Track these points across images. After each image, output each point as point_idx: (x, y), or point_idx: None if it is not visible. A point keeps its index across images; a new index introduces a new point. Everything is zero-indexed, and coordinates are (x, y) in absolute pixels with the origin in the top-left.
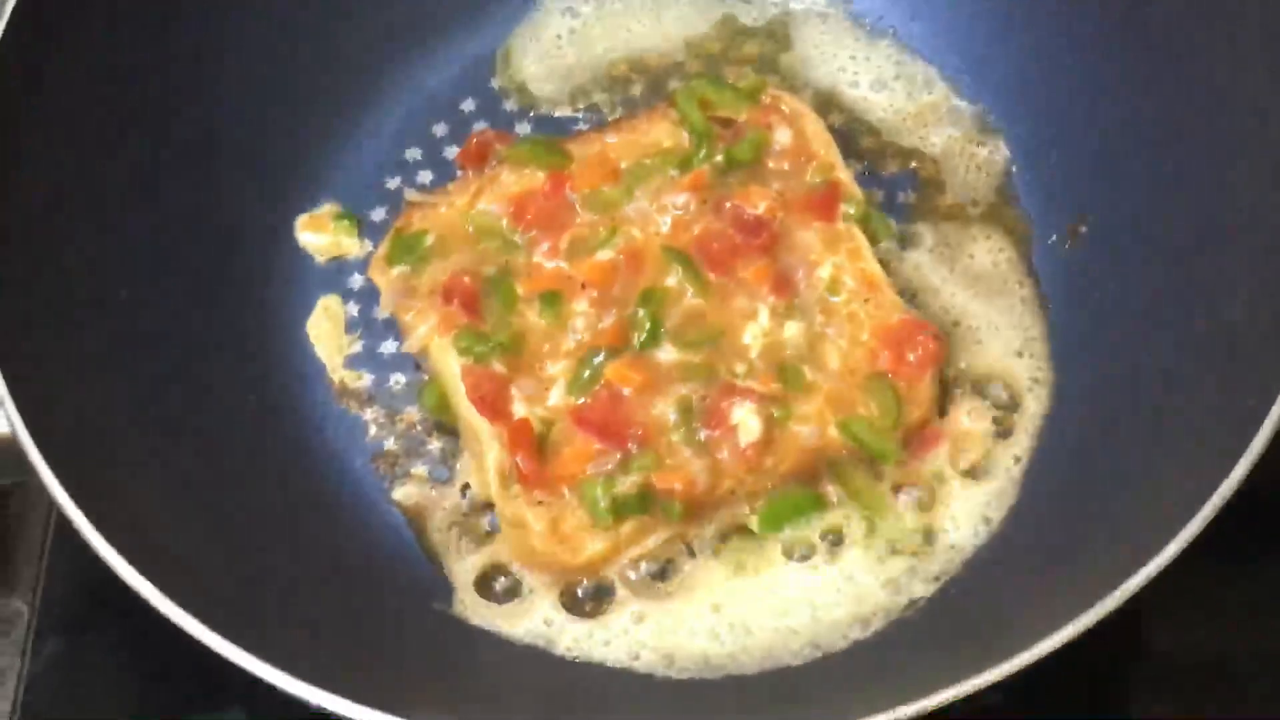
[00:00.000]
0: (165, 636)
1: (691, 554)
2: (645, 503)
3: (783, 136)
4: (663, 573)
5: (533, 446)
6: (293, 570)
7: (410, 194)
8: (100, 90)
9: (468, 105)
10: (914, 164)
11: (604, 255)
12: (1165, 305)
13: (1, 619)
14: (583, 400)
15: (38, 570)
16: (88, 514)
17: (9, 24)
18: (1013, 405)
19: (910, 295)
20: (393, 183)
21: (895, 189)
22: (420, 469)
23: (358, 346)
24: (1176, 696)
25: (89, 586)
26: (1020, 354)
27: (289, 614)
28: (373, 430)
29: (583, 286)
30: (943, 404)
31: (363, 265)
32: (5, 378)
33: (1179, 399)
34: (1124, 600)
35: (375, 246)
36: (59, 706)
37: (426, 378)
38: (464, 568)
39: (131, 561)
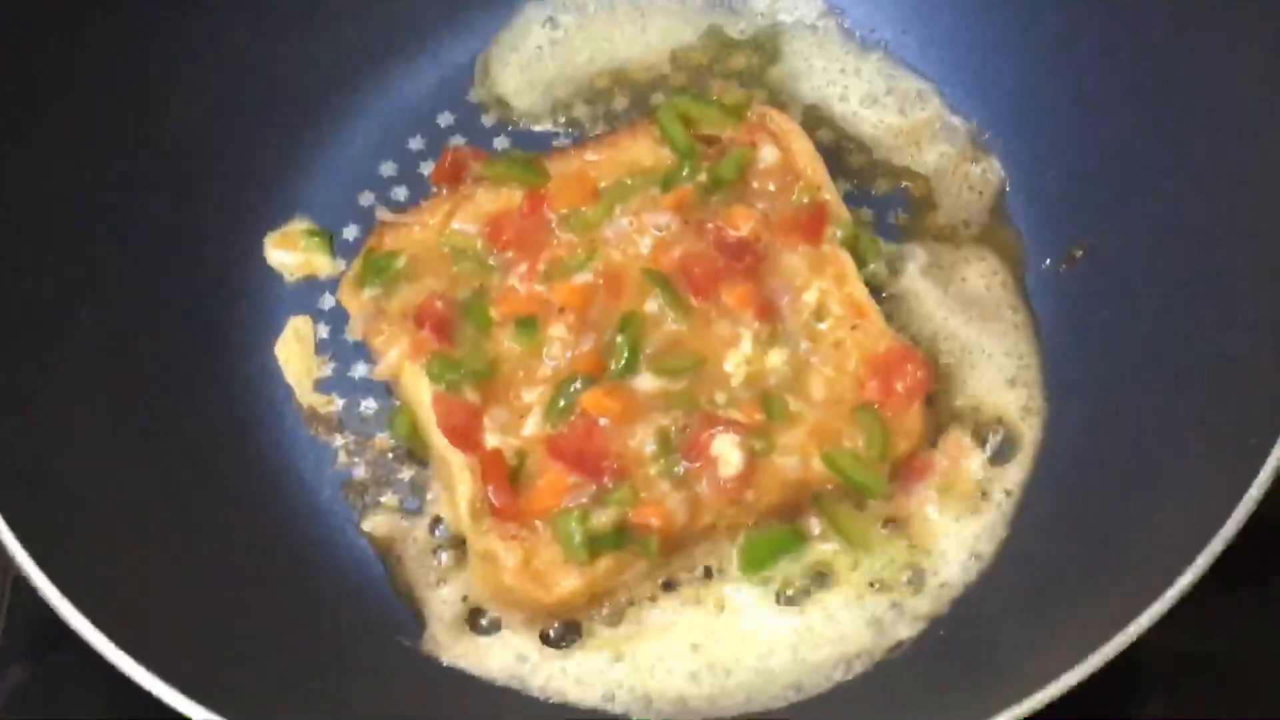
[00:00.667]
0: None
1: (669, 591)
2: (621, 538)
3: (768, 154)
4: (639, 610)
5: (505, 478)
6: (255, 605)
7: (382, 213)
8: (63, 99)
9: (444, 119)
10: (905, 183)
11: (582, 278)
12: (1164, 335)
13: None
14: (558, 430)
15: (2, 590)
16: (35, 556)
17: None
18: (1004, 436)
19: (899, 320)
20: (366, 199)
21: (885, 208)
22: (391, 499)
23: (328, 369)
24: (1174, 700)
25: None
26: (1013, 383)
27: (248, 653)
28: (342, 457)
29: (560, 311)
30: (932, 434)
31: (334, 285)
32: None
33: (1179, 433)
34: (1124, 646)
35: (348, 265)
36: None
37: (397, 404)
38: (435, 603)
39: (82, 609)
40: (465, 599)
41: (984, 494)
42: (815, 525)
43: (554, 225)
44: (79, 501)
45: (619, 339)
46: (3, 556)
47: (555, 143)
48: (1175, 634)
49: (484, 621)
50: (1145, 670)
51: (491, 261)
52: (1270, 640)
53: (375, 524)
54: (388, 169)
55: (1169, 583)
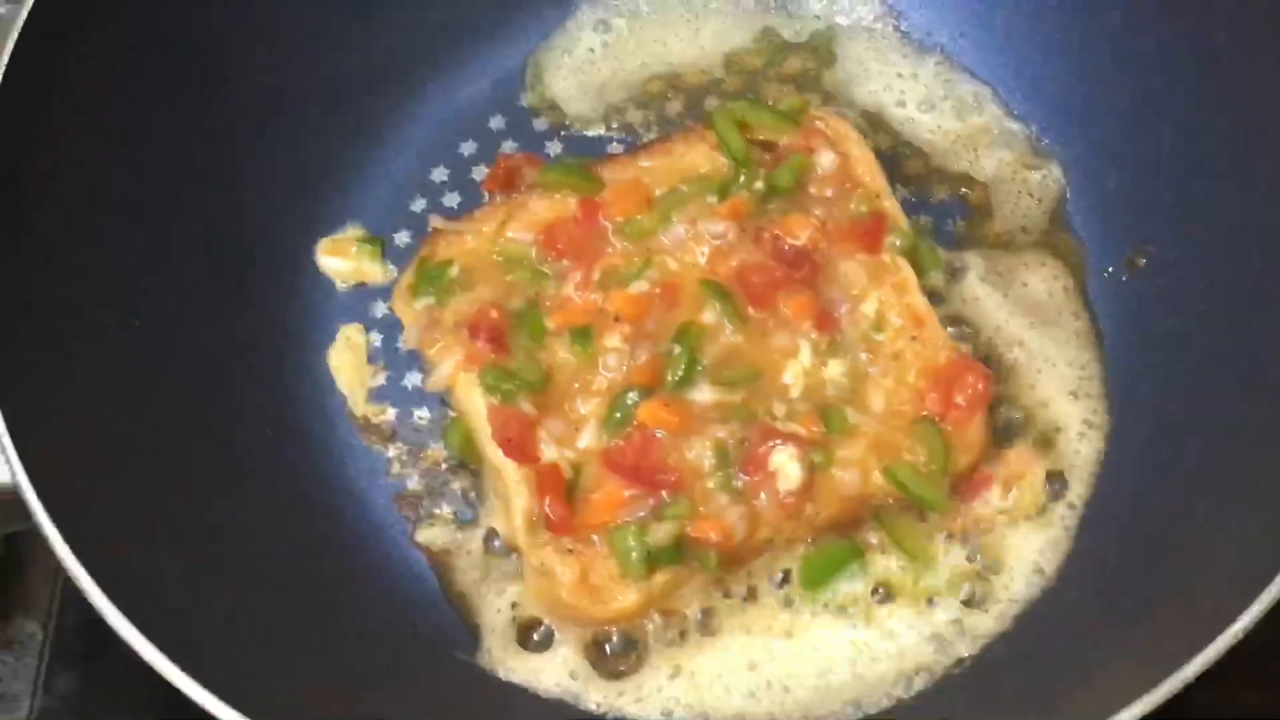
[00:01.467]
0: None
1: (728, 606)
2: (679, 553)
3: (826, 161)
4: (698, 626)
5: (561, 492)
6: (306, 619)
7: (436, 221)
8: (117, 106)
9: (496, 123)
10: (963, 189)
11: (638, 287)
12: (1231, 346)
13: (16, 641)
14: (614, 443)
15: (52, 591)
16: (90, 570)
17: (21, 35)
18: (1067, 449)
19: (959, 331)
20: (418, 205)
21: (943, 216)
22: (445, 510)
23: (381, 379)
24: None
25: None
26: (1075, 395)
27: (300, 666)
28: (395, 468)
29: (615, 320)
30: (993, 447)
31: (386, 292)
32: (5, 415)
33: (1245, 449)
34: (1198, 673)
35: (399, 272)
36: None
37: (451, 414)
38: (489, 617)
39: (129, 615)
40: (520, 613)
41: (1046, 508)
42: (875, 539)
43: (609, 233)
44: (131, 511)
45: (676, 349)
46: (53, 562)
47: (609, 148)
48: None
49: (538, 636)
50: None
51: (545, 270)
52: None
53: (429, 536)
54: (439, 174)
55: (1239, 610)
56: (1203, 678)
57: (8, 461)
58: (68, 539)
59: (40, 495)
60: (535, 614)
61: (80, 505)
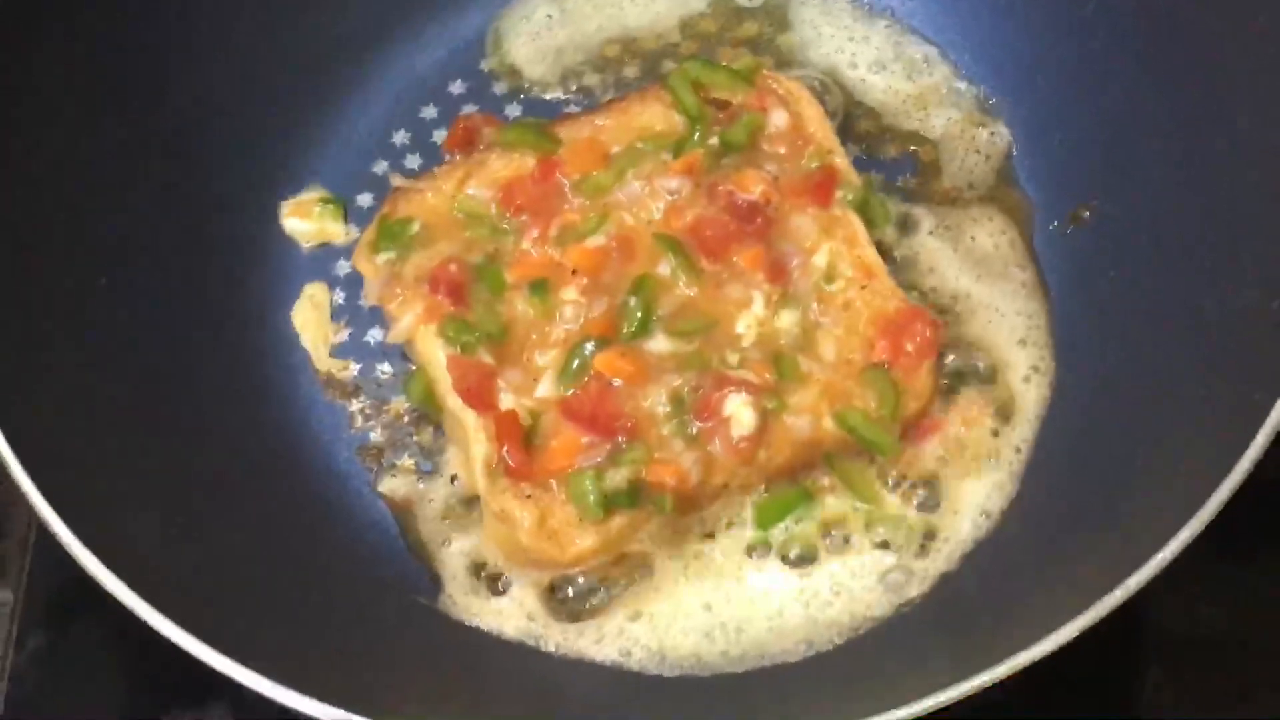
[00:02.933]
0: (150, 631)
1: (684, 551)
2: (635, 497)
3: (778, 119)
4: (655, 570)
5: (520, 439)
6: (275, 565)
7: (397, 179)
8: (74, 66)
9: (457, 87)
10: (913, 147)
11: (594, 242)
12: (1171, 293)
13: None
14: (571, 391)
15: (22, 560)
16: (62, 514)
17: None
18: (1013, 395)
19: (909, 281)
20: (380, 167)
21: (894, 173)
22: (407, 461)
23: (344, 335)
24: (1183, 675)
25: (75, 577)
26: (1023, 343)
27: (270, 611)
28: (359, 421)
29: (572, 274)
30: (941, 394)
31: (348, 252)
32: None
33: (1184, 390)
34: (1125, 598)
35: (361, 233)
36: (44, 699)
37: (413, 368)
38: (450, 563)
39: (106, 562)
40: (480, 558)
41: (993, 452)
42: (827, 482)
43: (566, 190)
44: (99, 464)
45: (631, 301)
46: (20, 527)
47: (566, 110)
48: (1176, 603)
49: (499, 581)
50: (1146, 641)
51: (505, 226)
52: (1271, 608)
53: (391, 486)
54: (400, 138)
55: (1169, 537)
56: (1158, 595)
57: None
58: (41, 490)
59: (13, 448)
60: (495, 560)
61: (52, 458)
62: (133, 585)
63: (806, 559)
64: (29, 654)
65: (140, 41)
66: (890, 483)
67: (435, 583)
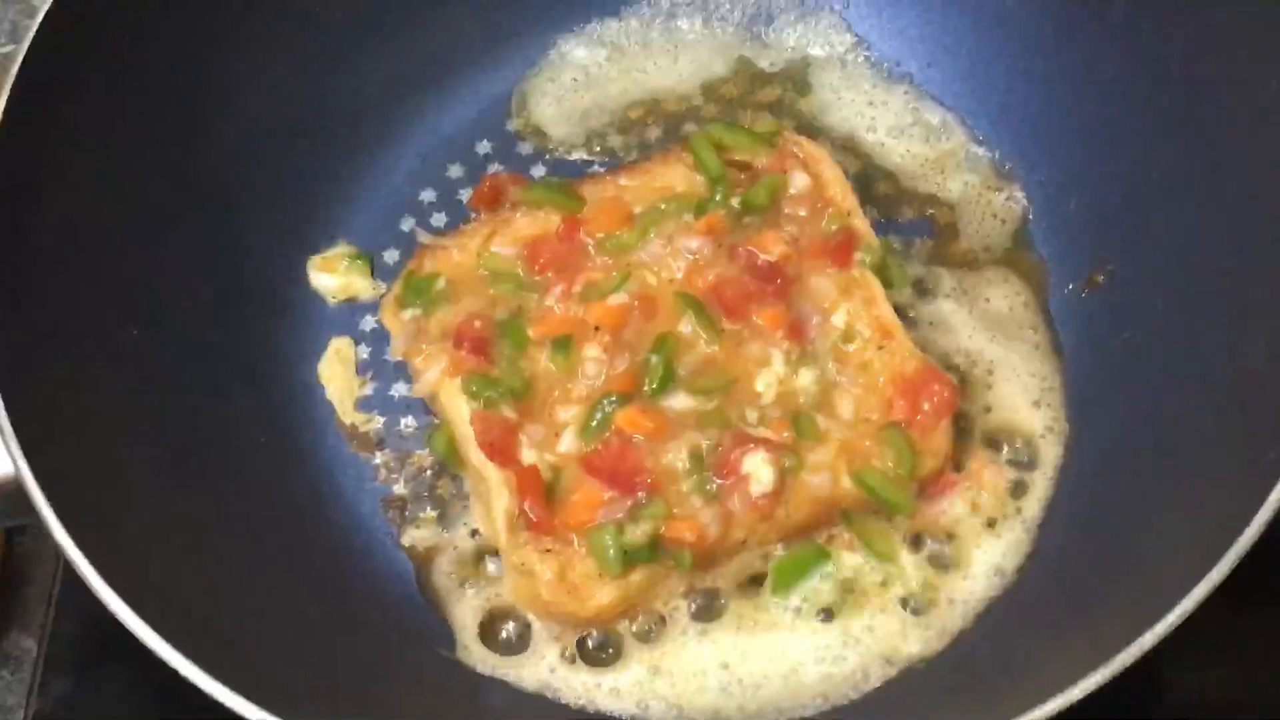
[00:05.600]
0: (173, 678)
1: (703, 606)
2: (655, 552)
3: (799, 181)
4: (673, 625)
5: (541, 493)
6: (298, 615)
7: (423, 236)
8: (115, 127)
9: (483, 147)
10: (930, 210)
11: (617, 299)
12: (1184, 354)
13: (10, 656)
14: (593, 447)
15: (47, 608)
16: (91, 559)
17: (27, 57)
18: (1029, 455)
19: (926, 342)
20: (406, 224)
21: (911, 235)
22: (429, 514)
23: (369, 389)
24: None
25: (98, 625)
26: (1037, 404)
27: (293, 659)
28: (382, 474)
29: (595, 331)
30: (957, 453)
31: (375, 307)
32: (9, 416)
33: (1198, 449)
34: (1138, 656)
35: (388, 288)
36: None
37: (436, 422)
38: (470, 614)
39: (134, 607)
40: (500, 611)
41: (1007, 511)
42: (843, 538)
43: (590, 249)
44: (129, 513)
45: (653, 359)
46: (44, 574)
47: (590, 170)
48: (1189, 663)
49: (519, 633)
50: (1157, 701)
51: (529, 283)
52: None
53: (414, 538)
54: (427, 195)
55: (1182, 596)
56: (1170, 658)
57: (10, 455)
58: (71, 535)
59: (45, 493)
60: (516, 613)
61: (81, 505)
62: (159, 630)
63: (823, 615)
64: (53, 700)
65: (173, 97)
66: (906, 540)
67: (455, 634)
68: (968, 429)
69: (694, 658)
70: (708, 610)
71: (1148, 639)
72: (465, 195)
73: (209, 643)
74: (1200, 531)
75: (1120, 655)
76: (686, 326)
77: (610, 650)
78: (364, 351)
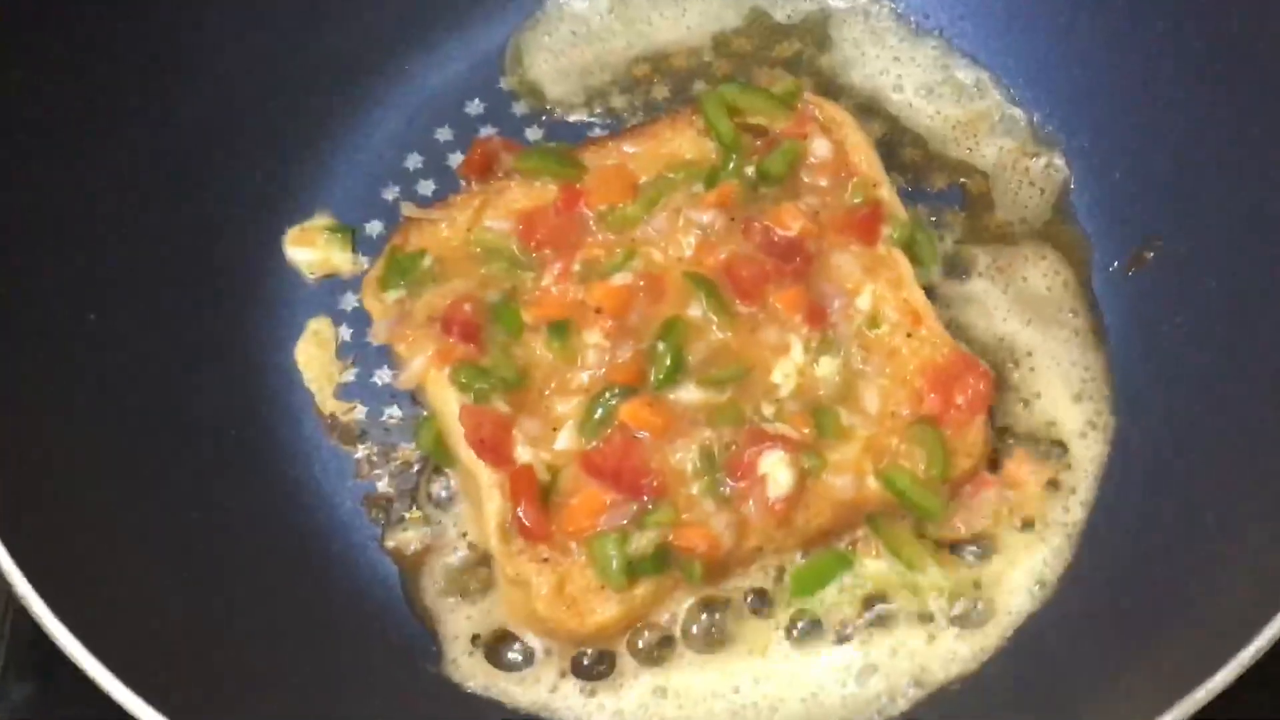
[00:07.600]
0: None
1: (713, 621)
2: (662, 563)
3: (820, 148)
4: (680, 642)
5: (536, 496)
6: (272, 626)
7: (408, 209)
8: (74, 89)
9: (474, 107)
10: (962, 179)
11: (620, 279)
12: (1241, 344)
13: None
14: (594, 444)
15: (5, 613)
16: (34, 582)
17: None
18: (1070, 453)
19: (958, 327)
20: (391, 193)
21: (941, 205)
22: (415, 514)
23: (350, 375)
24: None
25: None
26: (1078, 396)
27: (266, 677)
28: (365, 469)
29: (596, 314)
30: (993, 451)
31: (356, 284)
32: None
33: (1259, 448)
34: (1208, 699)
35: (370, 263)
36: None
37: (423, 413)
38: (460, 627)
39: (82, 638)
40: (493, 624)
41: (1047, 516)
42: (869, 544)
43: (590, 223)
44: (84, 516)
45: (659, 346)
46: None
47: (591, 134)
48: (1262, 702)
49: (513, 650)
50: None
51: (524, 261)
52: None
53: (399, 541)
54: (413, 161)
55: (1260, 624)
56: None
57: None
58: (10, 547)
59: None
60: (509, 627)
61: (31, 507)
62: (108, 663)
63: (845, 632)
64: (12, 704)
65: (138, 57)
66: (937, 547)
67: (443, 648)
68: (1003, 425)
69: (703, 679)
70: (718, 626)
71: (1218, 680)
72: (454, 160)
73: (155, 665)
74: (1264, 550)
75: (1185, 699)
76: (696, 310)
77: (612, 670)
78: (345, 333)
